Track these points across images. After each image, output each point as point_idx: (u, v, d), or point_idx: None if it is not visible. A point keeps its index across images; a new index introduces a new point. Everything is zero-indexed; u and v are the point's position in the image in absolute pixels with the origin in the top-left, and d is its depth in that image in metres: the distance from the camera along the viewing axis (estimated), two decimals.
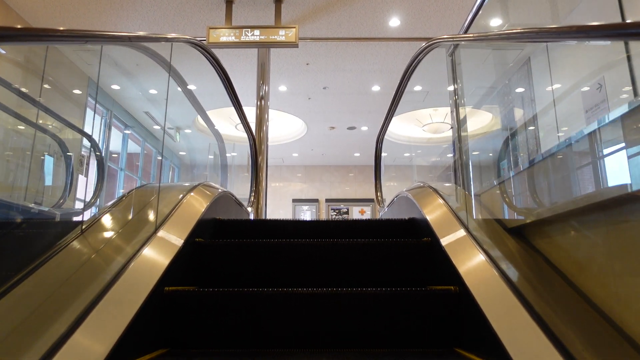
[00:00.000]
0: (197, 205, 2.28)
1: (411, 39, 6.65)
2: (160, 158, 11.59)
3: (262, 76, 6.68)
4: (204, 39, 5.70)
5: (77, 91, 8.10)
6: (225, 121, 10.59)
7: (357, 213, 13.50)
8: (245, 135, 7.52)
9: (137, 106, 9.19)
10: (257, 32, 5.64)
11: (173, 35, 2.59)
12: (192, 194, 2.36)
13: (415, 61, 2.99)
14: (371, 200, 13.63)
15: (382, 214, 3.57)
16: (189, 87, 8.65)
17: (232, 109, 10.26)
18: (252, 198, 4.22)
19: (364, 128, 10.59)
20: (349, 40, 6.96)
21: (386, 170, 13.96)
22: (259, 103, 6.74)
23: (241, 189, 5.09)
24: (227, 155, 12.21)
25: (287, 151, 12.35)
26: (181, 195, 2.27)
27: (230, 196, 2.92)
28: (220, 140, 4.34)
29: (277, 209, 13.65)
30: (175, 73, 3.13)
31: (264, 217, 6.15)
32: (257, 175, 4.38)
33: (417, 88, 8.56)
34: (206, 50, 2.90)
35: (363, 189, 13.82)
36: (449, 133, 11.15)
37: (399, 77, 8.19)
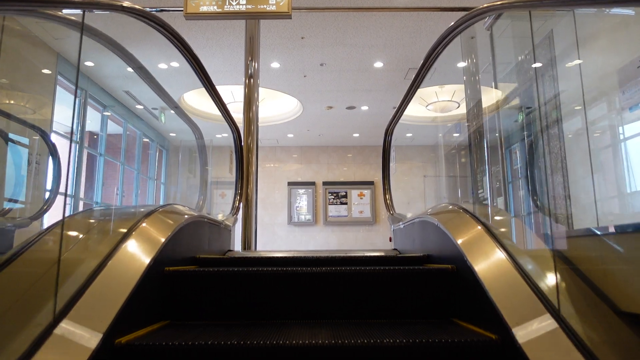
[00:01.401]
0: (135, 260, 1.57)
1: (421, 8, 5.83)
2: (145, 140, 10.82)
3: (251, 52, 5.88)
4: (181, 8, 4.87)
5: (46, 71, 7.28)
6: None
7: (356, 197, 12.83)
8: (238, 115, 6.75)
9: (116, 85, 8.35)
10: (243, 0, 4.81)
11: None
12: (132, 238, 1.65)
13: (452, 34, 2.22)
14: (371, 183, 12.94)
15: (395, 228, 2.87)
16: (160, 66, 7.81)
17: (222, 87, 9.42)
18: (237, 203, 3.51)
19: (364, 108, 9.81)
20: (350, 10, 6.13)
21: None
22: (247, 81, 5.98)
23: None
24: (218, 136, 11.43)
25: (281, 132, 11.58)
26: (117, 242, 1.56)
27: (204, 221, 2.22)
28: (199, 136, 3.58)
29: (272, 192, 12.96)
30: (119, 48, 2.38)
31: (253, 243, 5.47)
32: (244, 174, 3.66)
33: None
34: (149, 18, 2.14)
35: (362, 170, 13.11)
36: (456, 112, 10.40)
37: (405, 52, 7.39)
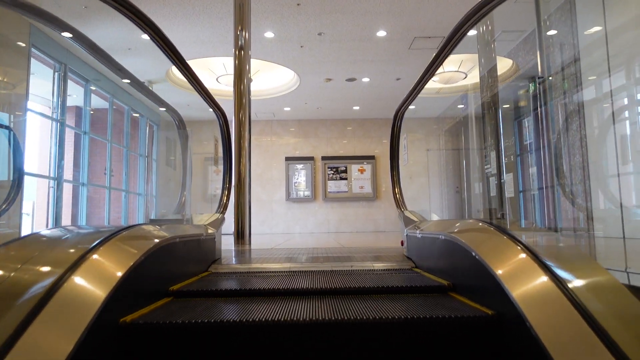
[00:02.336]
0: (73, 316, 1.12)
1: None
2: (135, 115, 10.26)
3: (241, 20, 5.31)
4: None
5: (20, 43, 6.67)
6: (204, 72, 9.17)
7: (356, 172, 12.37)
8: (229, 89, 6.21)
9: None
10: None
11: None
12: (76, 276, 1.20)
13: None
14: (371, 158, 12.46)
15: (409, 234, 2.43)
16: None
17: (213, 59, 8.80)
18: (226, 200, 3.05)
19: (365, 79, 9.22)
20: None
21: (386, 124, 12.71)
22: (237, 53, 5.45)
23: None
24: (210, 110, 10.86)
25: (277, 105, 11.01)
26: (47, 290, 1.11)
27: (177, 242, 1.77)
28: (181, 126, 3.06)
29: (269, 168, 12.48)
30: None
31: (247, 233, 5.02)
32: (232, 163, 3.18)
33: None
34: None
35: (362, 144, 12.61)
36: (462, 82, 9.83)
37: (410, 20, 6.76)
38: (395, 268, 2.33)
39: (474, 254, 1.48)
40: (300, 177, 12.37)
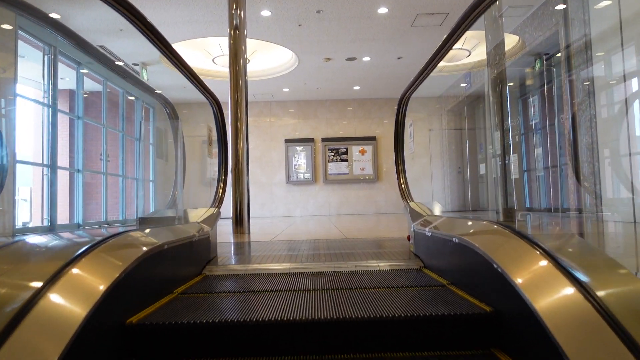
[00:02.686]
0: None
1: None
2: (130, 98, 10.01)
3: None
4: None
5: (6, 26, 6.40)
6: (199, 53, 8.89)
7: (357, 153, 12.17)
8: (226, 70, 5.98)
9: (90, 39, 7.48)
10: None
11: None
12: (50, 296, 1.04)
13: None
14: (372, 139, 12.24)
15: (416, 229, 2.28)
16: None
17: (209, 40, 8.51)
18: (221, 193, 2.88)
19: (366, 59, 8.95)
20: None
21: (387, 104, 12.44)
22: (232, 33, 5.24)
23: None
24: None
25: (276, 86, 10.74)
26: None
27: (164, 250, 1.60)
28: (172, 116, 2.85)
29: (268, 150, 12.28)
30: None
31: (246, 220, 4.86)
32: (228, 153, 3.00)
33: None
34: None
35: (364, 125, 12.37)
36: (466, 60, 9.54)
37: None
38: (403, 268, 2.18)
39: (490, 259, 1.32)
40: (300, 159, 12.18)
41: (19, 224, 11.08)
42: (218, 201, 2.84)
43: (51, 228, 6.82)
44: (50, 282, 1.10)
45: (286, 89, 11.11)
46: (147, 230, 1.73)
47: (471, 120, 11.42)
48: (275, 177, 12.23)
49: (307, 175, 12.14)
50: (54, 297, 1.07)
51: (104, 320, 1.16)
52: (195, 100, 11.72)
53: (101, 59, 7.23)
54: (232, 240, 3.83)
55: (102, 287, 1.21)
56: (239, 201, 4.98)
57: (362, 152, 12.18)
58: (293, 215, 12.07)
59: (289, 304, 1.50)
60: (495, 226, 1.56)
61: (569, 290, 1.09)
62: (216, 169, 2.97)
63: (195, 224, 2.31)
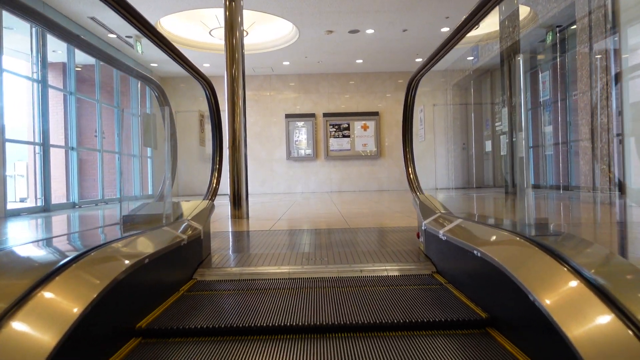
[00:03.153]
0: None
1: None
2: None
3: None
4: None
5: None
6: (196, 25, 8.52)
7: (359, 129, 11.89)
8: (223, 42, 5.67)
9: (79, 10, 7.11)
10: None
11: None
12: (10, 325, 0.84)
13: None
14: (375, 114, 11.93)
15: (428, 229, 2.09)
16: None
17: (205, 11, 8.13)
18: (215, 184, 2.66)
19: (369, 31, 8.57)
20: None
21: (391, 78, 12.06)
22: (227, 3, 4.92)
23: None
24: (206, 65, 10.24)
25: (276, 59, 10.37)
26: None
27: (146, 264, 1.40)
28: (162, 101, 2.58)
29: (268, 126, 11.99)
30: None
31: (244, 205, 4.62)
32: (222, 139, 2.76)
33: None
34: None
35: (366, 100, 12.04)
36: (473, 32, 9.16)
37: None
38: (414, 273, 1.98)
39: (531, 297, 1.11)
40: (301, 134, 11.91)
41: (16, 199, 10.94)
42: (212, 193, 2.63)
43: (45, 209, 6.64)
44: (10, 312, 0.90)
45: (286, 63, 10.75)
46: (128, 241, 1.53)
47: (477, 95, 11.09)
48: (276, 153, 11.99)
49: (308, 152, 11.90)
50: (18, 326, 0.87)
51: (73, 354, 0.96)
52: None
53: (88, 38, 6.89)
54: (229, 230, 3.64)
55: (70, 317, 1.01)
56: (236, 181, 4.78)
57: (365, 127, 11.90)
58: (294, 192, 11.89)
59: (287, 317, 1.31)
60: (523, 241, 1.35)
61: (602, 311, 0.89)
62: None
63: (186, 223, 2.10)
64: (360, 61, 10.81)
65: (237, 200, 4.75)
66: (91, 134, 8.68)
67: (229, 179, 4.80)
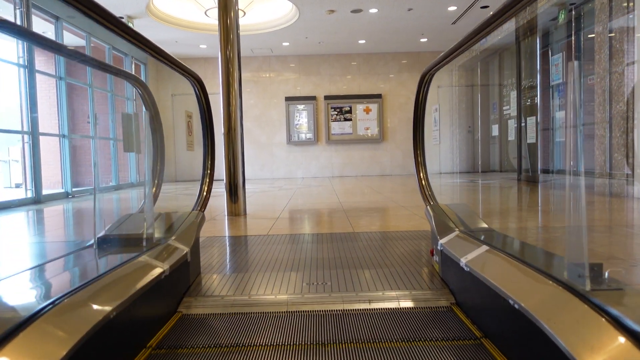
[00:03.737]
0: None
1: None
2: (116, 54, 9.30)
3: None
4: None
5: None
6: (190, 5, 8.11)
7: (361, 112, 11.54)
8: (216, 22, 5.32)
9: None
10: None
11: None
12: None
13: None
14: (378, 97, 11.57)
15: (446, 251, 1.84)
16: None
17: None
18: (206, 192, 2.39)
19: (373, 10, 8.16)
20: None
21: (394, 58, 11.65)
22: None
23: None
24: (202, 46, 9.85)
25: (275, 40, 9.97)
26: None
27: (115, 318, 1.15)
28: (146, 101, 2.27)
29: (268, 109, 11.65)
30: None
31: (241, 198, 4.32)
32: (214, 141, 2.49)
33: None
34: None
35: (368, 82, 11.66)
36: (484, 11, 8.72)
37: None
38: (431, 306, 1.73)
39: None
40: (302, 118, 11.58)
41: (12, 184, 10.70)
42: (202, 203, 2.36)
43: (36, 200, 6.39)
44: None
45: (286, 44, 10.34)
46: (93, 289, 1.27)
47: (484, 76, 10.70)
48: (276, 137, 11.68)
49: (309, 136, 11.59)
50: None
51: None
52: (191, 55, 11.02)
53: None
54: (225, 234, 3.38)
55: None
56: (232, 168, 4.51)
57: (367, 110, 11.55)
58: (294, 177, 11.63)
59: None
60: (583, 304, 1.08)
61: None
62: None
63: (169, 246, 1.84)
64: (362, 42, 10.40)
65: (234, 189, 4.49)
66: (84, 119, 8.37)
67: (224, 166, 4.54)
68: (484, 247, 1.67)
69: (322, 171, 11.71)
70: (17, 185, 10.04)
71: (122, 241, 1.89)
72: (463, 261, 1.65)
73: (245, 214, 4.49)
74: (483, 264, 1.55)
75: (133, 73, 2.39)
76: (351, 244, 2.79)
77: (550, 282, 1.21)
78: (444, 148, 11.48)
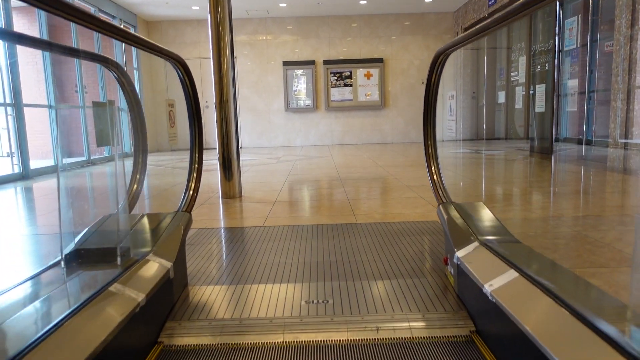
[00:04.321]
0: None
1: None
2: (102, 17, 8.79)
3: None
4: None
5: None
6: None
7: (362, 77, 11.11)
8: None
9: None
10: None
11: None
12: None
13: None
14: (379, 61, 11.10)
15: (459, 262, 1.62)
16: None
17: None
18: (192, 192, 2.13)
19: None
20: None
21: (397, 20, 11.11)
22: None
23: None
24: (195, 8, 9.32)
25: (271, 0, 9.43)
26: None
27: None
28: (122, 82, 1.98)
29: (265, 74, 11.21)
30: None
31: (236, 182, 4.01)
32: (201, 128, 2.21)
33: None
34: None
35: (370, 45, 11.16)
36: None
37: None
38: (448, 335, 1.51)
39: None
40: (300, 84, 11.15)
41: (3, 153, 10.42)
42: (188, 202, 2.11)
43: (24, 176, 6.14)
44: None
45: (283, 5, 9.80)
46: (58, 338, 1.03)
47: (491, 40, 10.22)
48: (274, 104, 11.30)
49: (308, 102, 11.21)
50: None
51: None
52: (183, 17, 10.46)
53: None
54: (221, 225, 3.15)
55: None
56: (225, 142, 4.23)
57: (368, 75, 11.12)
58: (293, 145, 11.33)
59: None
60: None
61: None
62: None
63: (148, 267, 1.60)
64: (364, 2, 9.85)
65: (228, 164, 4.21)
66: (70, 89, 8.00)
67: (217, 138, 4.26)
68: (513, 273, 1.43)
69: (321, 139, 11.40)
70: (9, 155, 9.77)
71: (94, 257, 1.66)
72: (488, 289, 1.42)
73: (240, 195, 4.25)
74: (514, 297, 1.31)
75: (102, 54, 2.08)
76: (354, 241, 2.56)
77: (609, 347, 0.98)
78: (446, 115, 11.13)
